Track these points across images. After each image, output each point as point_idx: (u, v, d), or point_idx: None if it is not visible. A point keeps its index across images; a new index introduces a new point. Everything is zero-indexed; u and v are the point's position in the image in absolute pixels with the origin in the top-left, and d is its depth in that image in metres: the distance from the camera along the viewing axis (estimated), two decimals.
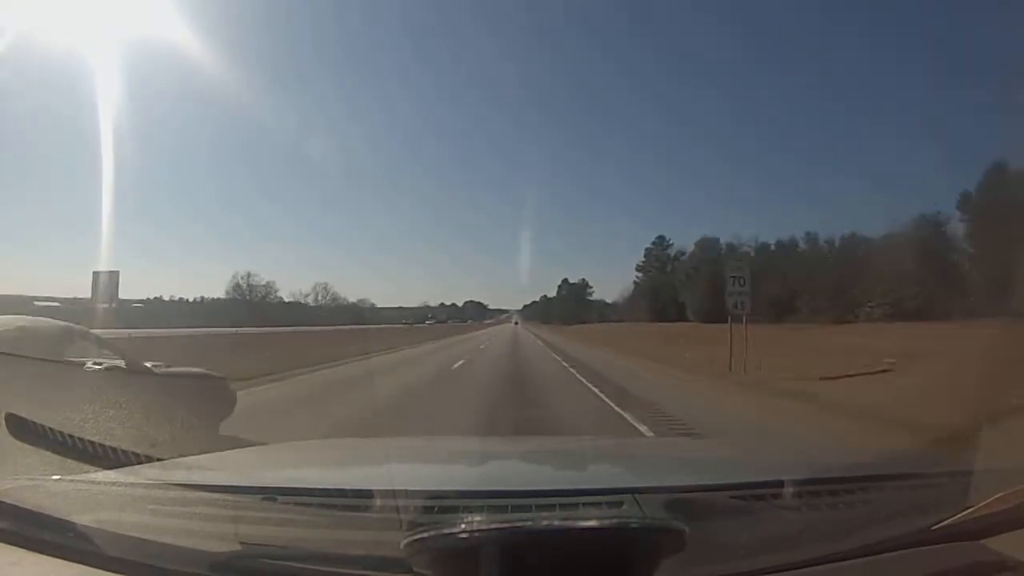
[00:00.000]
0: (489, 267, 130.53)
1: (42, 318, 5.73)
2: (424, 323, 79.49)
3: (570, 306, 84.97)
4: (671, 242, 69.63)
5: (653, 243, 70.62)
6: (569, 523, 0.94)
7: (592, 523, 0.91)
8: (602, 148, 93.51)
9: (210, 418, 5.65)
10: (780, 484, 1.27)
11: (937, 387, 8.22)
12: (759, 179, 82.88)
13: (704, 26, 67.73)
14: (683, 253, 66.71)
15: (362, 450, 2.45)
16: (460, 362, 16.98)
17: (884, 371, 11.59)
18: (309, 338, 27.09)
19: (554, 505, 1.25)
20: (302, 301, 74.17)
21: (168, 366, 5.86)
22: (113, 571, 1.00)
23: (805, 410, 8.13)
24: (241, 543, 1.04)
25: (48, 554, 1.05)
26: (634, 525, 0.96)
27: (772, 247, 54.28)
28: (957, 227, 36.39)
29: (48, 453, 2.08)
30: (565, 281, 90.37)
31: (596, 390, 10.54)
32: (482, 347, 26.15)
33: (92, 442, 1.97)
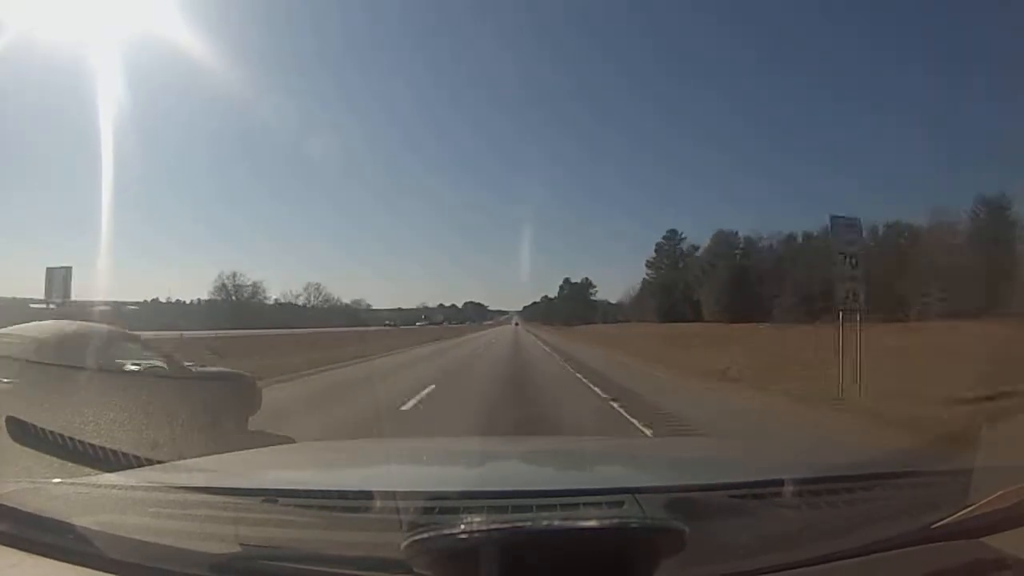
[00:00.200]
0: (489, 268, 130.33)
1: (91, 323, 6.48)
2: (415, 325, 77.20)
3: (573, 306, 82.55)
4: (683, 236, 65.85)
5: (664, 237, 67.08)
6: (569, 523, 0.94)
7: (592, 523, 0.91)
8: (603, 146, 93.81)
9: (240, 414, 6.06)
10: (780, 483, 1.27)
11: None
12: (761, 175, 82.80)
13: (704, 25, 67.76)
14: (696, 248, 63.56)
15: (362, 451, 2.46)
16: (426, 391, 10.51)
17: None
18: (260, 344, 21.70)
19: (554, 505, 1.25)
20: (292, 302, 72.96)
21: (203, 366, 6.39)
22: (113, 573, 1.00)
23: None
24: (241, 545, 1.04)
25: (49, 557, 1.05)
26: (634, 525, 0.96)
27: (799, 239, 50.70)
28: None
29: (48, 456, 2.08)
30: (567, 281, 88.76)
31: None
32: (473, 355, 21.53)
33: (92, 445, 1.97)
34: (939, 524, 1.08)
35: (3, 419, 2.20)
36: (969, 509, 1.09)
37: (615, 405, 9.19)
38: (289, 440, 5.46)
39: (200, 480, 1.52)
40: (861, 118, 64.41)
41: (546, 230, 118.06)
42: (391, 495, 1.22)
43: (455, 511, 1.17)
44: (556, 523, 0.95)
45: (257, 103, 64.67)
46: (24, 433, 2.23)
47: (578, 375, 14.27)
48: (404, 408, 8.78)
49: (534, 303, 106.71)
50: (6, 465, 2.19)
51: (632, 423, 7.71)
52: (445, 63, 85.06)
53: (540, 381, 13.24)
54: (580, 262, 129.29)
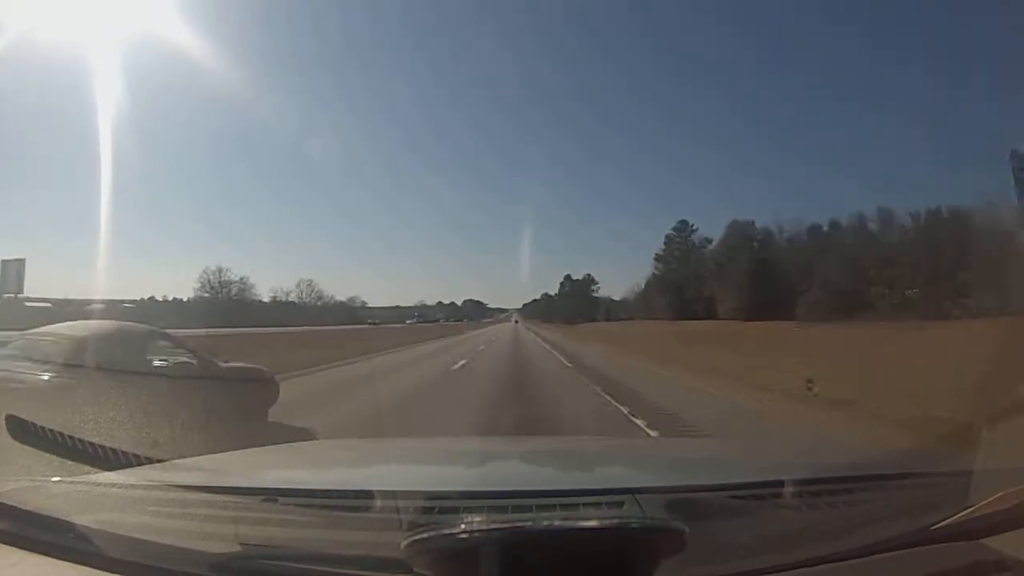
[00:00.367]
0: (488, 266, 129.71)
1: (131, 322, 7.11)
2: (405, 323, 72.86)
3: (574, 303, 79.57)
4: (695, 227, 60.52)
5: (674, 229, 61.62)
6: (569, 523, 0.94)
7: (592, 523, 0.91)
8: (603, 142, 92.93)
9: (262, 406, 6.46)
10: (780, 484, 1.27)
11: None
12: (761, 174, 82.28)
13: (704, 25, 67.72)
14: (709, 241, 58.56)
15: (362, 451, 2.46)
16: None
17: None
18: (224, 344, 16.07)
19: (554, 505, 1.25)
20: (283, 299, 69.92)
21: (227, 361, 6.77)
22: (113, 572, 1.00)
23: None
24: (241, 544, 1.04)
25: (49, 555, 1.05)
26: (634, 525, 0.96)
27: (825, 228, 46.44)
28: None
29: (47, 454, 2.09)
30: (568, 277, 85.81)
31: None
32: (461, 362, 16.04)
33: (92, 443, 1.97)
34: (939, 525, 1.08)
35: (3, 418, 2.21)
36: (969, 510, 1.09)
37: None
38: (306, 431, 5.98)
39: (200, 479, 1.52)
40: (861, 117, 64.18)
41: (546, 228, 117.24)
42: (391, 495, 1.22)
43: (455, 511, 1.17)
44: (556, 523, 0.95)
45: (254, 101, 63.99)
46: (24, 431, 2.24)
47: (595, 388, 10.42)
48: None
49: (534, 301, 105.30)
50: (6, 464, 2.20)
51: None
52: (442, 58, 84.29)
53: (549, 402, 9.22)
54: (581, 260, 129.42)
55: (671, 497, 1.19)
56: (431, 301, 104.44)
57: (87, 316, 13.89)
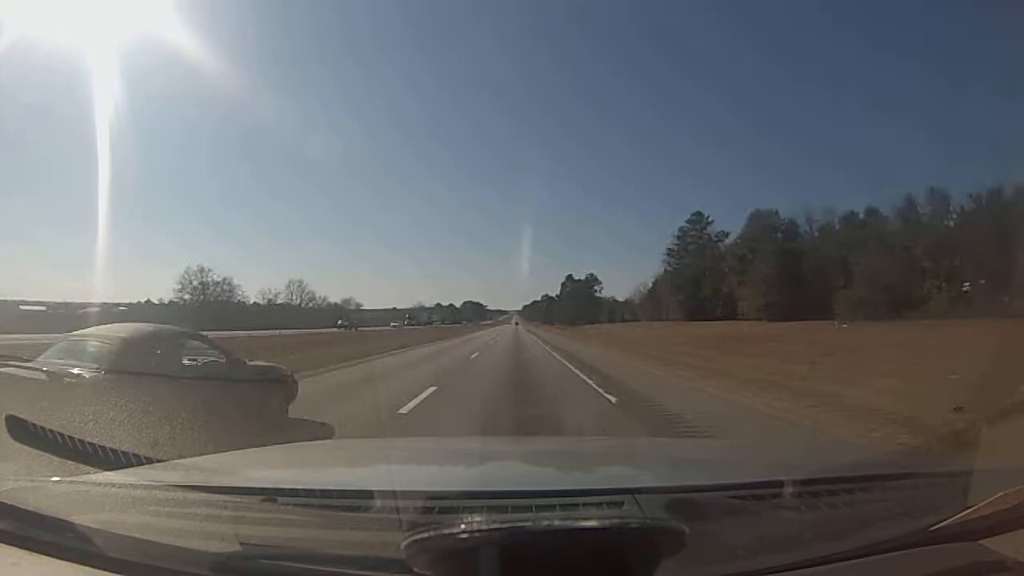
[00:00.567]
0: (488, 267, 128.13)
1: (165, 325, 7.51)
2: (390, 326, 65.49)
3: (576, 304, 76.68)
4: (710, 219, 54.91)
5: (688, 221, 56.12)
6: (569, 523, 0.94)
7: (592, 523, 0.91)
8: (604, 138, 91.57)
9: (284, 402, 6.89)
10: (780, 484, 1.27)
11: None
12: (762, 173, 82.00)
13: (705, 24, 67.72)
14: (726, 234, 53.40)
15: (362, 451, 2.46)
16: None
17: None
18: None
19: (554, 505, 1.25)
20: (272, 301, 67.01)
21: (251, 360, 7.20)
22: (113, 572, 1.01)
23: None
24: (241, 544, 1.04)
25: (48, 555, 1.05)
26: (634, 525, 0.96)
27: (861, 216, 41.12)
28: None
29: (46, 454, 2.09)
30: (569, 278, 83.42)
31: None
32: (430, 390, 9.97)
33: (92, 443, 1.97)
34: (939, 526, 1.08)
35: (3, 418, 2.21)
36: (969, 511, 1.09)
37: None
38: (327, 426, 6.38)
39: (200, 479, 1.52)
40: (862, 116, 64.25)
41: (546, 227, 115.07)
42: (391, 495, 1.23)
43: (455, 511, 1.17)
44: (556, 523, 0.95)
45: (249, 98, 63.47)
46: (24, 431, 2.24)
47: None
48: None
49: (534, 302, 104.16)
50: (6, 463, 2.20)
51: None
52: (441, 55, 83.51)
53: None
54: (582, 260, 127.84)
55: (671, 497, 1.19)
56: (429, 303, 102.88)
57: (83, 320, 13.99)
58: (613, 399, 9.24)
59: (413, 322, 79.77)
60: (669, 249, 57.43)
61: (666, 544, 0.91)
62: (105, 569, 1.01)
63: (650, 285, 62.30)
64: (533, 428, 6.70)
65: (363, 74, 78.76)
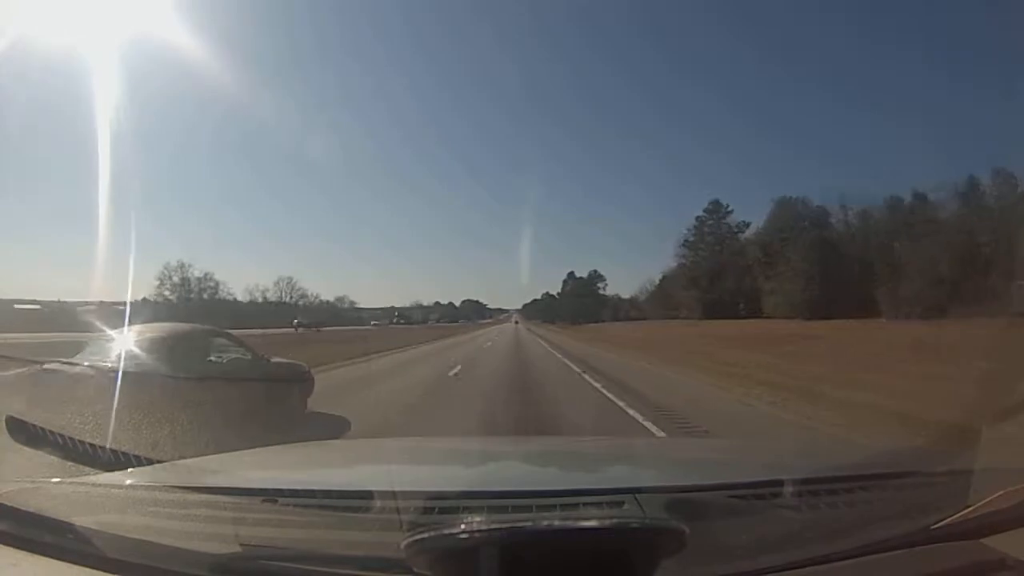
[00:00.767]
0: (487, 265, 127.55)
1: (195, 324, 8.07)
2: (371, 325, 60.42)
3: (579, 302, 73.20)
4: (730, 209, 49.32)
5: (705, 211, 50.74)
6: (569, 523, 0.94)
7: (592, 523, 0.91)
8: (604, 138, 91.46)
9: (304, 396, 7.16)
10: (780, 484, 1.27)
11: None
12: (762, 171, 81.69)
13: (705, 24, 67.65)
14: (746, 224, 47.95)
15: (362, 451, 2.46)
16: None
17: None
18: None
19: (554, 505, 1.25)
20: (260, 299, 64.44)
21: (273, 357, 7.46)
22: (113, 573, 1.01)
23: None
24: (241, 544, 1.04)
25: (49, 556, 1.05)
26: (634, 525, 0.96)
27: (906, 202, 35.58)
28: None
29: (45, 452, 2.09)
30: (571, 275, 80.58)
31: None
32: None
33: (92, 444, 1.98)
34: (939, 525, 1.08)
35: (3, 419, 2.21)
36: (969, 510, 1.09)
37: None
38: (342, 419, 6.64)
39: (200, 480, 1.52)
40: (862, 115, 64.10)
41: (547, 225, 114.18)
42: (391, 495, 1.23)
43: (455, 511, 1.17)
44: (556, 523, 0.95)
45: (248, 96, 62.96)
46: (23, 432, 2.24)
47: None
48: None
49: (535, 300, 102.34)
50: (6, 464, 2.20)
51: None
52: (440, 52, 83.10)
53: None
54: (583, 259, 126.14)
55: (671, 497, 1.19)
56: (429, 301, 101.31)
57: (86, 319, 13.93)
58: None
59: (403, 321, 74.87)
60: (684, 241, 51.22)
61: (666, 544, 0.91)
62: (105, 570, 1.01)
63: (657, 281, 58.22)
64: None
65: (362, 72, 78.51)
